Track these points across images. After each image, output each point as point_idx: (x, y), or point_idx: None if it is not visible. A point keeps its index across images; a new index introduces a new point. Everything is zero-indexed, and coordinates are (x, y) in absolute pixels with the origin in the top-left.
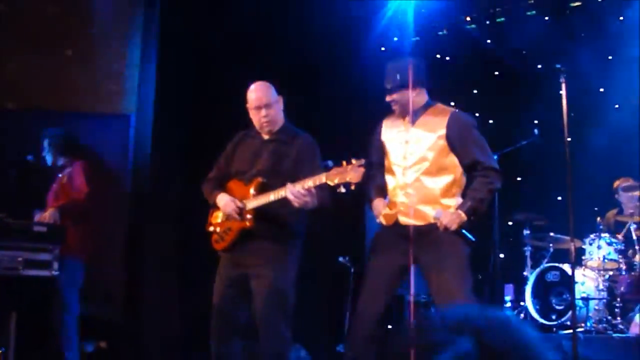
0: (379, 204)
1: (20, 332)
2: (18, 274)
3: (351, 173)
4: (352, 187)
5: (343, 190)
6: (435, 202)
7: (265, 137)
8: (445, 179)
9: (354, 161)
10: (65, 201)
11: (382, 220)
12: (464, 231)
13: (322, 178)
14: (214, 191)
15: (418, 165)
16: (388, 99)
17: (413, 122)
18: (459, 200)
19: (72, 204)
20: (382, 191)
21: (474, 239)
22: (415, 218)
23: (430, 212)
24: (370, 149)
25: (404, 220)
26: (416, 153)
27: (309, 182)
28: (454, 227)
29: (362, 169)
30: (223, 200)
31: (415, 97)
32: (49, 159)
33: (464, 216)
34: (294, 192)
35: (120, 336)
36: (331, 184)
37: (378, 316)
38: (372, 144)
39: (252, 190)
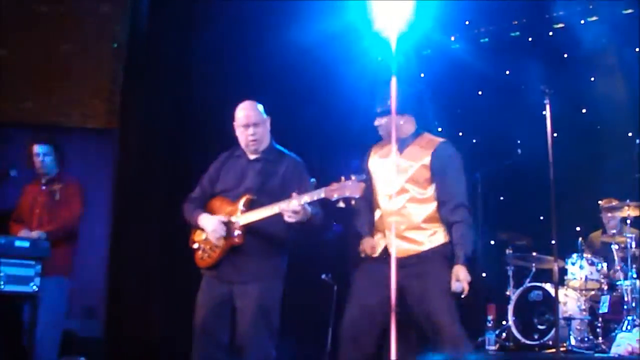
0: (368, 242)
1: None
2: None
3: (351, 188)
4: (352, 203)
5: (342, 205)
6: (419, 228)
7: (251, 156)
8: (430, 206)
9: (353, 177)
10: (58, 225)
11: (369, 252)
12: None
13: (320, 193)
14: (195, 212)
15: (403, 194)
16: (376, 122)
17: (401, 150)
18: (442, 226)
19: (63, 228)
20: (371, 227)
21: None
22: (401, 247)
23: (417, 238)
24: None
25: (390, 250)
26: (401, 181)
27: (306, 197)
28: (467, 281)
29: (362, 184)
30: (208, 221)
31: (404, 124)
32: (52, 168)
33: (465, 269)
34: (288, 208)
35: (100, 352)
36: (330, 199)
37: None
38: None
39: (241, 207)
